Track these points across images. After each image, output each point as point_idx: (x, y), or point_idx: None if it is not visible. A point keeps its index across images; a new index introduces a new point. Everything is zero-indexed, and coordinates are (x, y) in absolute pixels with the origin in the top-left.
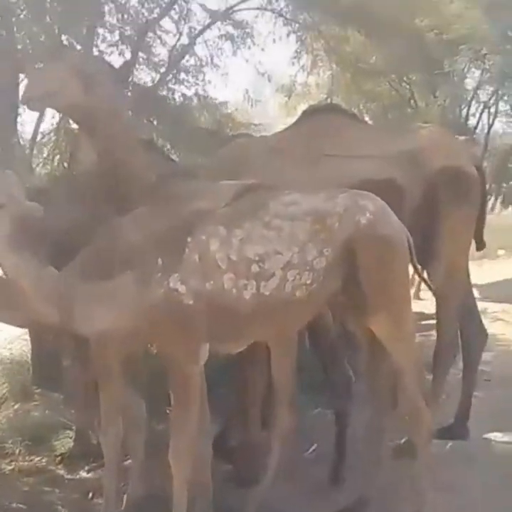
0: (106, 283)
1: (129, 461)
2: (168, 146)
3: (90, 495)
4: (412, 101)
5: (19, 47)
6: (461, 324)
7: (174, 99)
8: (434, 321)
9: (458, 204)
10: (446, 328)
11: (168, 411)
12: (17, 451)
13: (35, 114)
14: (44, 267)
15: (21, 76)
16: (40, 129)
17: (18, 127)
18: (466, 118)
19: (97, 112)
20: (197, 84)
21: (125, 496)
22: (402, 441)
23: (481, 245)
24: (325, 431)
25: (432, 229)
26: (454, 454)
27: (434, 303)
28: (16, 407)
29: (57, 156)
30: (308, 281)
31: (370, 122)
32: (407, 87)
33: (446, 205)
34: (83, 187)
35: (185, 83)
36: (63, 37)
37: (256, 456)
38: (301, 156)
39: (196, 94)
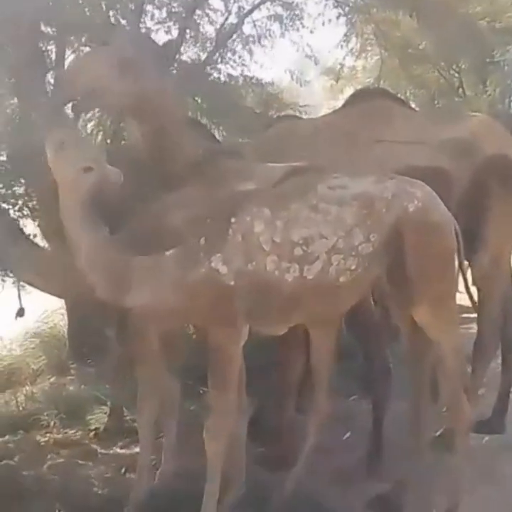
0: (151, 258)
1: (163, 438)
2: (213, 126)
3: (123, 470)
4: (460, 90)
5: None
6: (501, 318)
7: (220, 78)
8: (473, 315)
9: (505, 194)
10: (488, 321)
11: (201, 391)
12: (52, 424)
13: None
14: (104, 236)
15: (67, 52)
16: None
17: None
18: None
19: (141, 99)
20: (243, 64)
21: (157, 473)
22: (438, 433)
23: None
24: (360, 419)
25: (478, 219)
26: (491, 447)
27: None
28: (51, 380)
29: (101, 133)
30: (352, 267)
31: (417, 109)
32: (456, 75)
33: (493, 194)
34: (127, 164)
35: (232, 63)
36: (110, 13)
37: (289, 439)
38: (348, 140)
39: (242, 74)
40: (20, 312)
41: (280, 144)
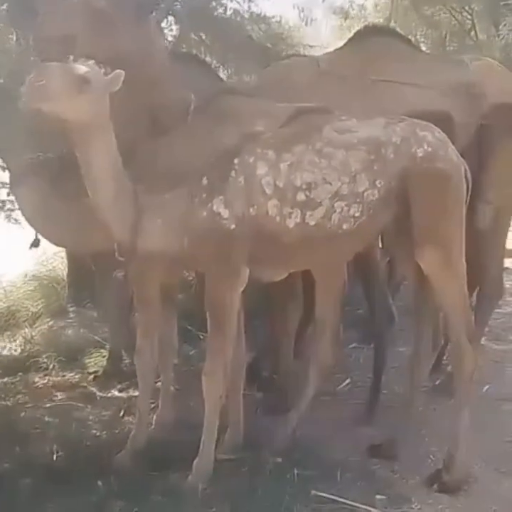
0: (157, 198)
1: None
2: (217, 63)
3: (121, 413)
4: (472, 32)
5: None
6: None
7: (226, 13)
8: None
9: (510, 142)
10: (490, 271)
11: (201, 337)
12: (50, 367)
13: None
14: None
15: None
16: None
17: None
18: None
19: (116, 52)
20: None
21: (154, 417)
22: (437, 382)
23: None
24: (359, 366)
25: (482, 168)
26: (490, 396)
27: None
28: (50, 323)
29: None
30: (356, 214)
31: (427, 51)
32: (469, 17)
33: (498, 143)
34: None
35: None
36: None
37: (287, 385)
38: (351, 80)
39: (249, 9)
40: (36, 242)
41: (283, 82)
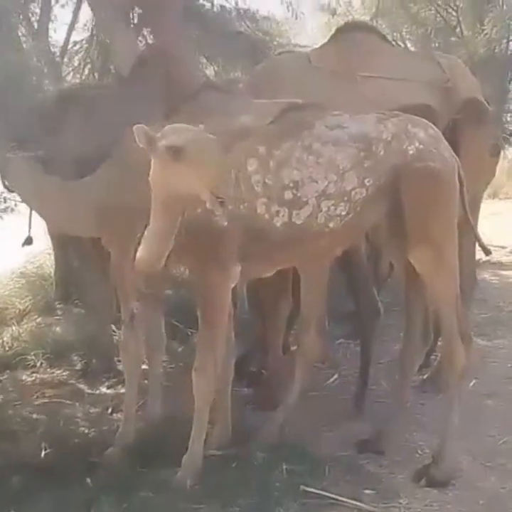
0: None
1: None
2: (206, 61)
3: (110, 410)
4: (458, 29)
5: None
6: None
7: (213, 11)
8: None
9: (477, 136)
10: (465, 263)
11: (189, 333)
12: (38, 364)
13: (67, 21)
14: None
15: None
16: (72, 38)
17: (50, 33)
18: None
19: None
20: None
21: (144, 414)
22: (425, 376)
23: None
24: (347, 361)
25: None
26: (477, 391)
27: None
28: (38, 320)
29: (89, 66)
30: (343, 213)
31: (413, 48)
32: (454, 13)
33: (466, 135)
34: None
35: None
36: None
37: (276, 381)
38: (339, 75)
39: (236, 6)
40: (29, 240)
41: (271, 79)
